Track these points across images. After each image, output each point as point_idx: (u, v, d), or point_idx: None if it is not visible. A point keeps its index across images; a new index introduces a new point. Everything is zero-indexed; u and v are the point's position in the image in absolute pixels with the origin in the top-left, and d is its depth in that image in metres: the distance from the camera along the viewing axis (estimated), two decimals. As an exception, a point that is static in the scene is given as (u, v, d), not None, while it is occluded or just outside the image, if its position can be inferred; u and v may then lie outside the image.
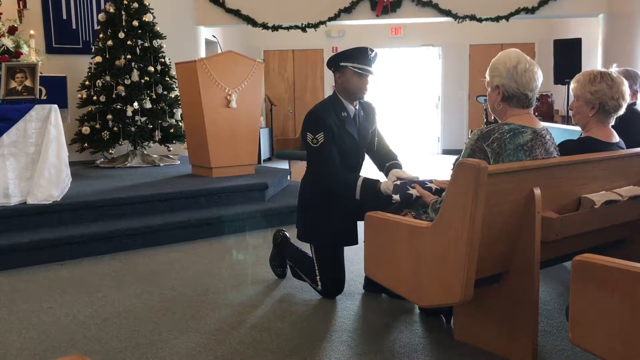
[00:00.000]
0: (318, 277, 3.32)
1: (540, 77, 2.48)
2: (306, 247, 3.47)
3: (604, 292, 1.67)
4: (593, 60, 8.60)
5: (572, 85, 2.80)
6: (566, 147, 2.76)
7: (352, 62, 3.17)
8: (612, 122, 2.79)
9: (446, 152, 11.65)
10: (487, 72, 2.54)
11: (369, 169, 3.42)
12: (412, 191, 2.78)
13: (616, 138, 2.81)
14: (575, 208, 2.54)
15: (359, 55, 3.18)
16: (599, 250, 2.47)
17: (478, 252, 2.18)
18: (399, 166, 3.35)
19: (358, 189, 3.08)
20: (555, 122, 8.72)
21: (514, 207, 2.32)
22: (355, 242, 3.33)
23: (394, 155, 3.46)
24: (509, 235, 2.38)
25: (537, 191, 2.33)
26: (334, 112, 3.23)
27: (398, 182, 2.90)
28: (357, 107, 3.32)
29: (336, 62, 3.23)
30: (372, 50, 3.22)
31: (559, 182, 2.46)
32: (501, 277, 2.50)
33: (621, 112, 2.73)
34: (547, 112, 8.85)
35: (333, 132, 3.18)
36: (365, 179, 3.10)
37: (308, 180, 3.37)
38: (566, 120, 7.93)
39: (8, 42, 4.92)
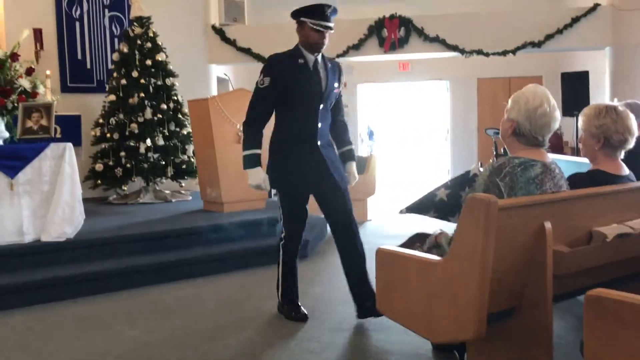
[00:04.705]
0: (283, 226, 3.54)
1: (557, 121, 2.47)
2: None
3: (618, 328, 1.66)
4: (601, 92, 8.64)
5: (580, 118, 2.82)
6: (575, 179, 2.76)
7: (310, 18, 3.32)
8: (622, 156, 2.80)
9: (456, 184, 11.63)
10: (510, 100, 2.56)
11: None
12: None
13: (625, 170, 2.81)
14: (587, 242, 2.53)
15: (317, 12, 3.32)
16: (613, 284, 2.45)
17: (490, 287, 2.18)
18: (352, 156, 3.61)
19: (245, 157, 3.36)
20: (565, 153, 8.72)
21: (525, 241, 2.32)
22: (329, 185, 3.43)
23: (347, 137, 3.65)
24: (521, 269, 2.37)
25: (548, 225, 2.33)
26: (290, 59, 3.38)
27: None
28: (318, 57, 3.44)
29: (297, 17, 3.38)
30: (328, 7, 3.34)
31: (570, 215, 2.46)
32: (514, 311, 2.48)
33: (629, 146, 2.73)
34: (556, 144, 8.86)
35: (285, 80, 3.33)
36: (251, 156, 3.35)
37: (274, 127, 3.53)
38: (575, 152, 7.93)
39: (25, 83, 5.04)
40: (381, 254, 2.66)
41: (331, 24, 3.35)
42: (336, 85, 3.51)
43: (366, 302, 3.44)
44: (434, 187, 2.77)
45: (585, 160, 2.96)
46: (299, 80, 3.35)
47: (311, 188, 3.47)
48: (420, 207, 2.82)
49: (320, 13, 3.31)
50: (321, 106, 3.41)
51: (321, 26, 3.30)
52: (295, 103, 3.37)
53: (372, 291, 3.34)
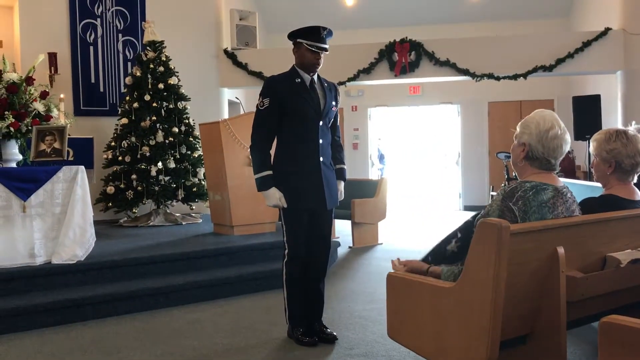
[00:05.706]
0: (285, 243, 3.53)
1: (568, 144, 2.47)
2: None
3: (633, 355, 1.63)
4: (613, 116, 8.61)
5: (591, 143, 2.81)
6: (587, 204, 2.74)
7: (306, 40, 3.40)
8: (635, 180, 2.78)
9: (467, 208, 11.58)
10: (519, 125, 2.55)
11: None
12: None
13: (639, 195, 2.78)
14: (600, 267, 2.50)
15: (313, 34, 3.41)
16: (628, 310, 2.41)
17: (502, 313, 2.15)
18: (342, 176, 3.69)
19: (258, 179, 3.42)
20: (577, 177, 8.67)
21: (538, 266, 2.29)
22: (320, 206, 3.50)
23: (340, 156, 3.72)
24: (534, 295, 2.34)
25: (561, 250, 2.30)
26: (288, 80, 3.48)
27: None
28: (314, 77, 3.52)
29: (293, 38, 3.46)
30: (324, 29, 3.42)
31: (583, 240, 2.43)
32: (527, 338, 2.44)
33: (641, 170, 2.71)
34: (568, 168, 8.81)
35: (284, 99, 3.40)
36: (263, 178, 3.40)
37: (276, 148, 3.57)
38: (588, 176, 7.88)
39: (39, 107, 5.10)
40: (392, 279, 2.64)
41: (326, 46, 3.45)
42: (334, 103, 3.59)
43: (315, 324, 3.62)
44: (444, 237, 2.75)
45: (598, 184, 2.93)
46: (297, 98, 3.43)
47: (307, 204, 3.52)
48: (432, 261, 2.81)
49: (316, 35, 3.40)
50: (320, 123, 3.49)
51: (317, 47, 3.40)
52: (296, 120, 3.44)
53: (320, 313, 3.66)
